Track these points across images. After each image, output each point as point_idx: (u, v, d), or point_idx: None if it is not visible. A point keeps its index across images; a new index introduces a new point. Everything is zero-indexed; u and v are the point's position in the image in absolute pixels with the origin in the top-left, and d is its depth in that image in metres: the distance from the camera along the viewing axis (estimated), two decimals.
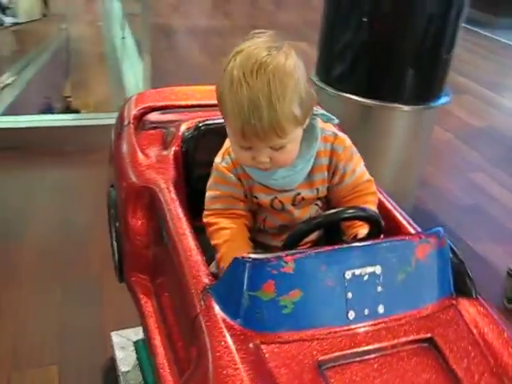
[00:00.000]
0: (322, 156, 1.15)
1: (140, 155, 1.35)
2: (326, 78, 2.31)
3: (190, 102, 1.50)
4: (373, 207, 1.17)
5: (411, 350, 0.92)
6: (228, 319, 0.90)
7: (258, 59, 0.98)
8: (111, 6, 5.33)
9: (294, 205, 1.16)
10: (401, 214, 1.22)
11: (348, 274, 0.92)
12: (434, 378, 0.89)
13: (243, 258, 0.92)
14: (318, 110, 1.16)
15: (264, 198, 1.16)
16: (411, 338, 0.93)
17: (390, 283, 0.95)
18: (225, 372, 0.84)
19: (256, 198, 1.16)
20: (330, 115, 1.18)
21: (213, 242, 1.12)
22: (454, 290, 1.02)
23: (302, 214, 1.18)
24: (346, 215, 1.04)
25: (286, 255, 0.91)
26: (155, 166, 1.31)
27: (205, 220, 1.15)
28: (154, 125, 1.49)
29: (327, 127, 1.17)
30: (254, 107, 0.97)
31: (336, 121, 1.18)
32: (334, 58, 2.27)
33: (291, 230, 1.08)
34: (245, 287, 0.90)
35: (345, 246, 0.95)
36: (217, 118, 1.26)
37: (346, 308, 0.92)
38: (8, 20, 6.55)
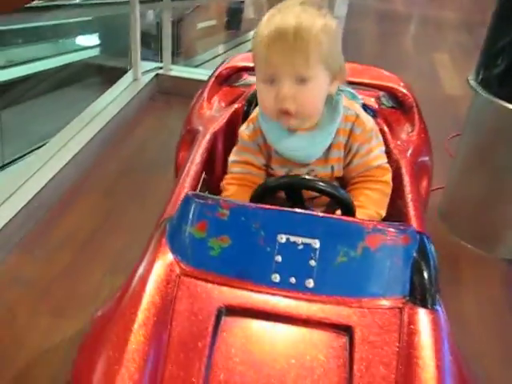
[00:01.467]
0: (341, 134, 1.13)
1: (205, 104, 1.46)
2: (481, 80, 2.09)
3: None
4: (375, 195, 1.11)
5: (323, 332, 0.89)
6: (166, 247, 0.97)
7: (292, 1, 1.06)
8: None
9: None
10: (416, 209, 1.13)
11: (282, 238, 0.92)
12: (326, 366, 0.85)
13: (194, 195, 0.98)
14: (345, 87, 1.13)
15: (279, 170, 1.17)
16: (329, 320, 0.89)
17: (326, 261, 0.92)
18: (133, 287, 0.93)
19: (272, 169, 1.19)
20: (355, 93, 1.14)
21: None
22: (413, 294, 0.93)
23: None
24: (314, 185, 1.02)
25: (224, 202, 0.94)
26: (212, 115, 1.41)
27: (221, 183, 1.20)
28: (243, 83, 1.59)
29: (352, 107, 1.14)
30: (283, 30, 1.01)
31: (360, 101, 1.14)
32: (493, 59, 2.03)
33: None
34: (185, 221, 0.97)
35: (286, 209, 0.94)
36: None
37: (272, 270, 0.92)
38: None
